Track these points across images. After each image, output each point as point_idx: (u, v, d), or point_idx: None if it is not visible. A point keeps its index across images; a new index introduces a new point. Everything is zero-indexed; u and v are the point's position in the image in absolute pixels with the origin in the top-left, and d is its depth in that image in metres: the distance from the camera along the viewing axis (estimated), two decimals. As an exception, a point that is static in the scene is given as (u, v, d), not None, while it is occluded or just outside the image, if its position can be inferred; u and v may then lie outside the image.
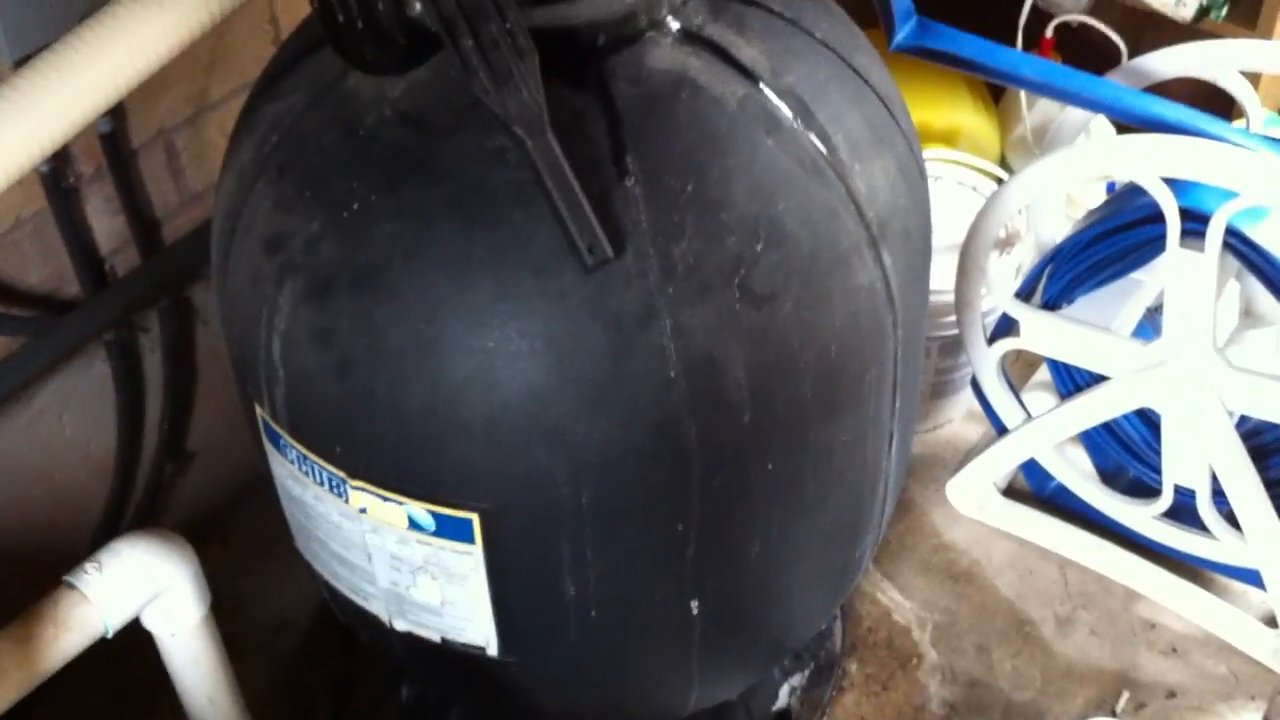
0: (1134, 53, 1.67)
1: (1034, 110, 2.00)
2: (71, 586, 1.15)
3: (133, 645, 1.24)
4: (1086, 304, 1.48)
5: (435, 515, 1.03)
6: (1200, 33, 1.77)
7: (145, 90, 1.17)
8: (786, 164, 1.00)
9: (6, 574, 1.41)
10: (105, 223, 1.42)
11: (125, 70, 1.12)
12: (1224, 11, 1.80)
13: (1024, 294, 1.51)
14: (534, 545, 1.05)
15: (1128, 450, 1.59)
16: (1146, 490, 1.57)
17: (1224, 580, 1.60)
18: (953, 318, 1.58)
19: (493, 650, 1.14)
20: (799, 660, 1.53)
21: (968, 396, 1.77)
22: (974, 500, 1.71)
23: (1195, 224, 1.30)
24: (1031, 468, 1.66)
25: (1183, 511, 1.52)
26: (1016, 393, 1.60)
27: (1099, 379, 1.48)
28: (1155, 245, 1.37)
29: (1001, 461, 1.65)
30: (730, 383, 0.98)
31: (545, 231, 0.92)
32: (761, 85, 1.01)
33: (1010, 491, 1.71)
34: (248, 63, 1.47)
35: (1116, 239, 1.42)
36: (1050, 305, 1.49)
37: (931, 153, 1.83)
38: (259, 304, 1.02)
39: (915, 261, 1.12)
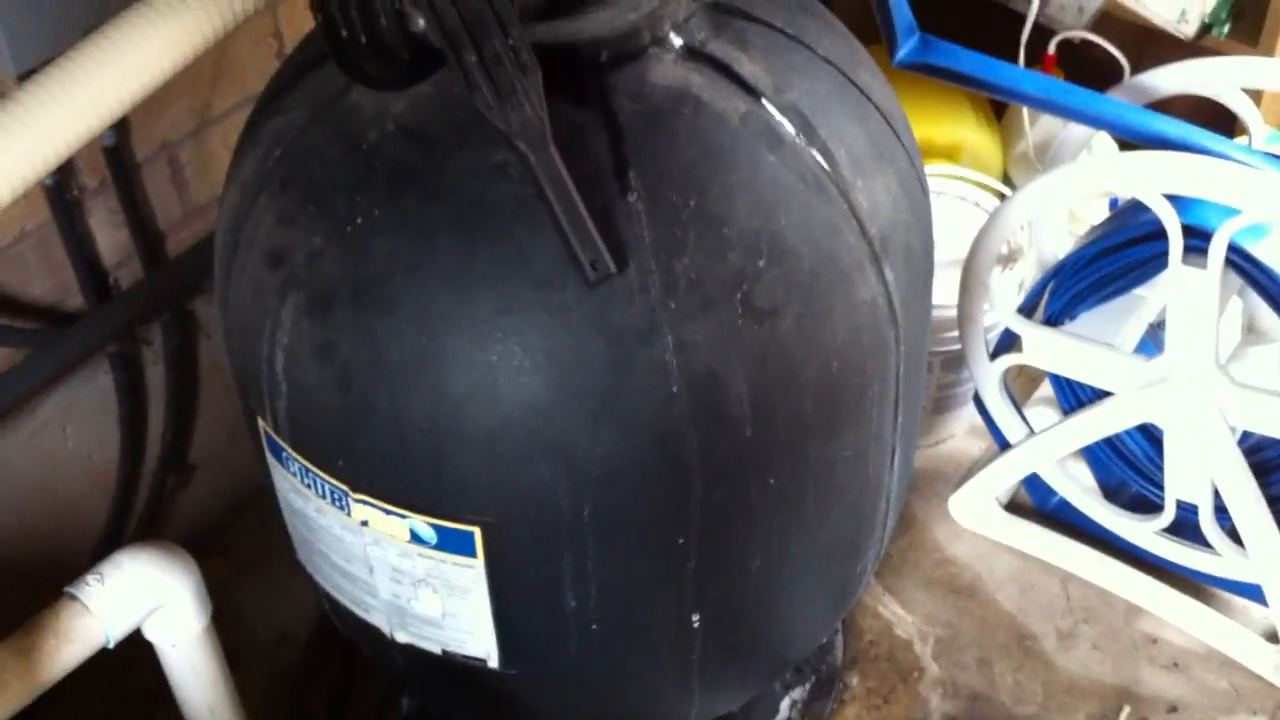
0: (1136, 69, 1.67)
1: (1036, 126, 2.00)
2: (73, 598, 1.15)
3: (133, 656, 1.24)
4: (1089, 320, 1.48)
5: (437, 528, 1.03)
6: (1202, 50, 1.77)
7: (149, 103, 1.17)
8: (788, 179, 1.00)
9: (8, 585, 1.41)
10: (109, 235, 1.42)
11: (130, 84, 1.12)
12: (1226, 29, 1.81)
13: (1026, 309, 1.51)
14: (535, 558, 1.05)
15: (1130, 465, 1.59)
16: (1149, 505, 1.57)
17: (1226, 595, 1.60)
18: (955, 333, 1.58)
19: (494, 663, 1.14)
20: (800, 674, 1.53)
21: (970, 411, 1.77)
22: (976, 515, 1.71)
23: (1197, 241, 1.30)
24: (1033, 482, 1.66)
25: (1185, 527, 1.51)
26: (1019, 408, 1.60)
27: (1101, 394, 1.48)
28: (1158, 262, 1.37)
29: (1003, 476, 1.65)
30: (732, 398, 0.98)
31: (547, 246, 0.92)
32: (764, 101, 1.01)
33: (1012, 506, 1.71)
34: (251, 76, 1.47)
35: (1119, 255, 1.43)
36: (1052, 321, 1.49)
37: (933, 168, 1.83)
38: (261, 317, 1.02)
39: (917, 277, 1.12)
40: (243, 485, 1.60)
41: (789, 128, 1.01)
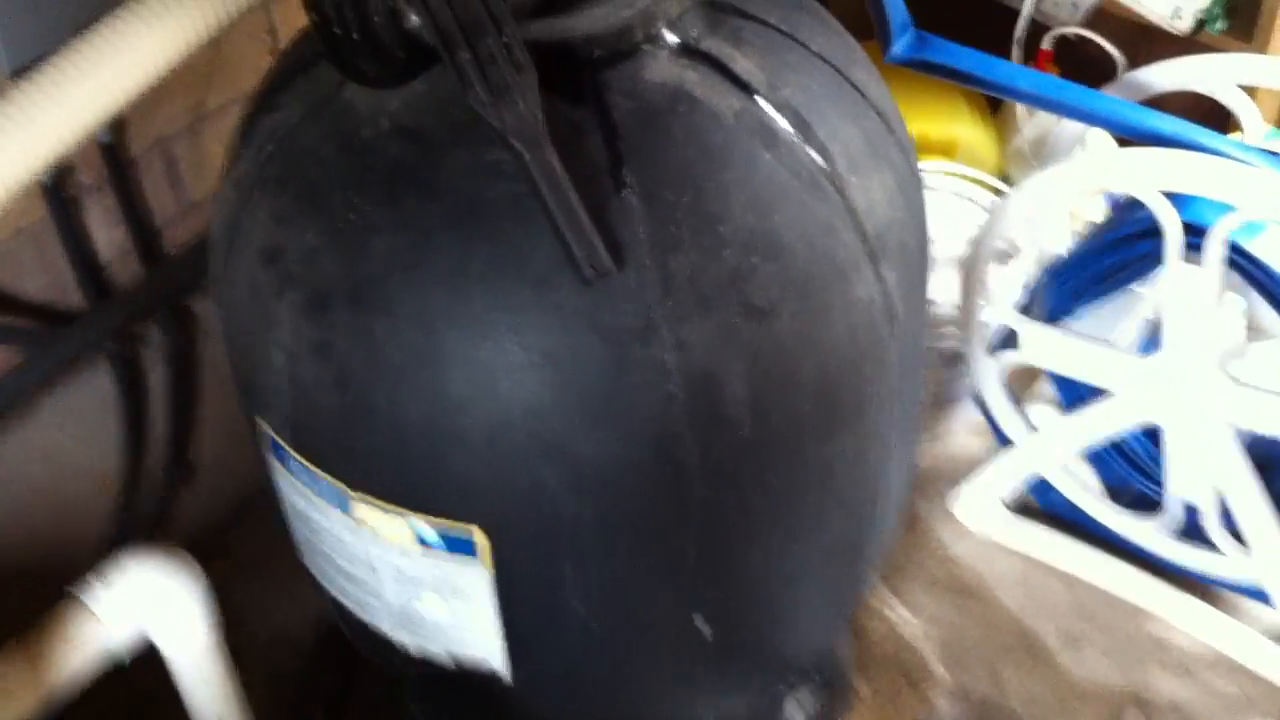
0: (1131, 66, 1.67)
1: (1031, 122, 2.00)
2: (78, 601, 1.15)
3: (136, 659, 1.24)
4: (1088, 317, 1.48)
5: (438, 529, 1.03)
6: (1198, 46, 1.77)
7: (144, 100, 1.17)
8: (784, 177, 1.00)
9: (9, 588, 1.40)
10: (105, 233, 1.42)
11: (125, 82, 1.12)
12: (1221, 25, 1.81)
13: (1024, 307, 1.51)
14: (536, 559, 1.05)
15: (1132, 465, 1.58)
16: (1152, 505, 1.57)
17: (1234, 598, 1.58)
18: (952, 329, 1.58)
19: (498, 665, 1.14)
20: (805, 676, 1.52)
21: (971, 409, 1.77)
22: (979, 515, 1.71)
23: (1195, 238, 1.30)
24: (1036, 481, 1.66)
25: (1189, 527, 1.51)
26: (1020, 406, 1.59)
27: (1101, 392, 1.48)
28: (1156, 259, 1.37)
29: (1005, 476, 1.65)
30: (729, 396, 0.98)
31: (543, 244, 0.92)
32: (758, 98, 1.01)
33: (1016, 506, 1.70)
34: (246, 73, 1.47)
35: (1117, 252, 1.43)
36: (1051, 318, 1.49)
37: (929, 165, 1.83)
38: (259, 316, 1.02)
39: (913, 274, 1.12)
40: (245, 485, 1.59)
41: (784, 125, 1.01)
